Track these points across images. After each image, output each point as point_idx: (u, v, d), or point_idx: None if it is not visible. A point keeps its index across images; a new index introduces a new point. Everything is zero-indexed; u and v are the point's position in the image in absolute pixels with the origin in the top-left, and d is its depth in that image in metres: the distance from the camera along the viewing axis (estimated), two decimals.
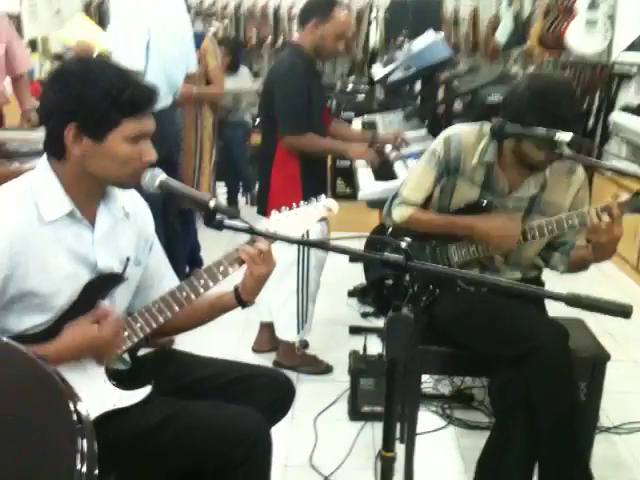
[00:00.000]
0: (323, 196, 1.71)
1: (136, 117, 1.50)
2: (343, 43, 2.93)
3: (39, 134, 3.59)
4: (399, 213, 2.33)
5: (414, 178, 2.34)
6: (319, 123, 2.95)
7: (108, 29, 3.08)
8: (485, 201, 2.22)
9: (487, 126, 2.18)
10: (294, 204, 1.70)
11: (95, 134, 1.48)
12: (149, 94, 1.53)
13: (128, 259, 1.66)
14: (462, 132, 2.25)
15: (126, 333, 1.59)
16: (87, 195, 1.57)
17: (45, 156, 1.57)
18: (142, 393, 1.62)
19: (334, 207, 1.70)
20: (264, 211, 3.00)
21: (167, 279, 1.81)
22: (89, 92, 1.46)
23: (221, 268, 1.63)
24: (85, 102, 1.46)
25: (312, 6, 2.89)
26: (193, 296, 1.62)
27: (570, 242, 2.24)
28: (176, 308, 1.62)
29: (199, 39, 3.85)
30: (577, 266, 2.25)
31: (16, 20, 6.10)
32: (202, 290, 1.62)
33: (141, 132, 1.51)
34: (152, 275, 1.79)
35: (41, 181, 1.53)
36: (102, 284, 1.61)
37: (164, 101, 3.19)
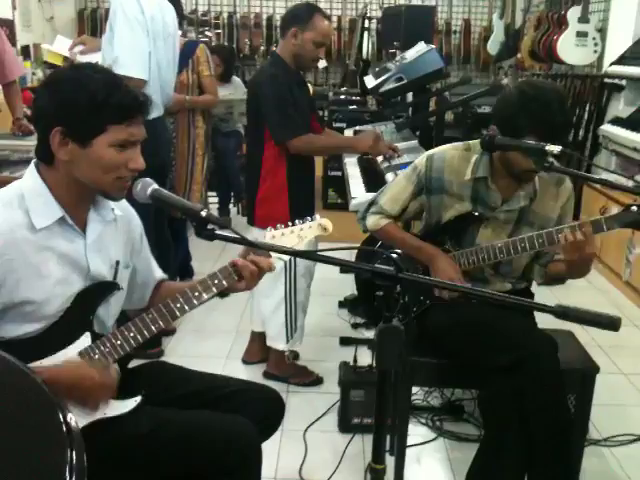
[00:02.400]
0: (318, 215, 1.74)
1: (123, 124, 1.49)
2: (323, 51, 2.92)
3: (30, 142, 3.59)
4: (373, 221, 2.38)
5: (393, 189, 2.38)
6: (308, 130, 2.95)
7: (105, 37, 3.07)
8: (477, 213, 2.23)
9: (474, 143, 2.23)
10: (289, 222, 1.71)
11: (80, 139, 1.48)
12: (137, 101, 1.52)
13: (118, 263, 1.68)
14: (446, 152, 2.28)
15: (118, 342, 1.59)
16: (77, 201, 1.57)
17: (33, 163, 1.57)
18: (132, 403, 1.62)
19: (329, 226, 1.72)
20: (252, 220, 3.00)
21: (156, 272, 1.87)
22: (74, 96, 1.47)
23: (215, 281, 1.63)
24: (70, 106, 1.47)
25: (291, 14, 2.89)
26: (187, 307, 1.62)
27: (549, 255, 2.26)
28: (169, 319, 1.62)
29: (192, 47, 3.85)
30: (554, 279, 2.26)
31: (9, 27, 6.09)
32: (196, 302, 1.62)
33: (128, 139, 1.51)
34: (146, 274, 1.83)
35: (30, 188, 1.53)
36: (98, 292, 1.63)
37: (158, 109, 3.19)
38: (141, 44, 2.96)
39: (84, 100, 1.46)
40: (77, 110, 1.46)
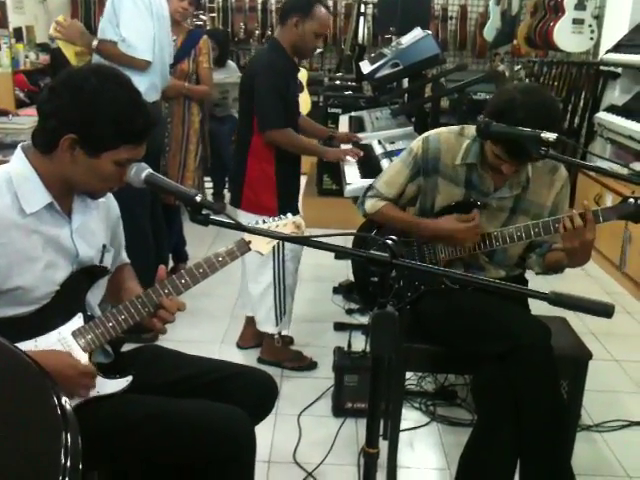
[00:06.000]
0: (289, 214, 1.80)
1: (134, 144, 1.54)
2: (321, 41, 2.97)
3: (22, 126, 3.57)
4: (371, 204, 2.40)
5: (389, 173, 2.40)
6: (294, 119, 2.98)
7: (104, 17, 3.04)
8: (473, 199, 2.24)
9: (469, 128, 2.23)
10: (264, 218, 1.78)
11: (91, 151, 1.51)
12: (152, 123, 1.57)
13: (104, 246, 1.71)
14: (441, 135, 2.29)
15: (110, 324, 1.62)
16: (64, 189, 1.59)
17: (20, 147, 1.58)
18: (124, 382, 1.65)
19: (302, 226, 1.79)
20: (238, 203, 3.01)
21: (123, 255, 1.91)
22: (99, 113, 1.49)
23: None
24: (92, 122, 1.49)
25: (293, 3, 2.90)
26: (175, 293, 1.66)
27: (547, 244, 2.25)
28: (157, 304, 1.65)
29: (197, 37, 3.84)
30: (552, 268, 2.26)
31: (1, 8, 6.03)
32: (183, 289, 1.67)
33: (131, 159, 1.55)
34: (118, 255, 1.86)
35: (19, 173, 1.54)
36: (90, 275, 1.67)
37: (157, 92, 3.18)
38: (147, 26, 3.00)
39: (106, 119, 1.49)
40: (97, 127, 1.49)
